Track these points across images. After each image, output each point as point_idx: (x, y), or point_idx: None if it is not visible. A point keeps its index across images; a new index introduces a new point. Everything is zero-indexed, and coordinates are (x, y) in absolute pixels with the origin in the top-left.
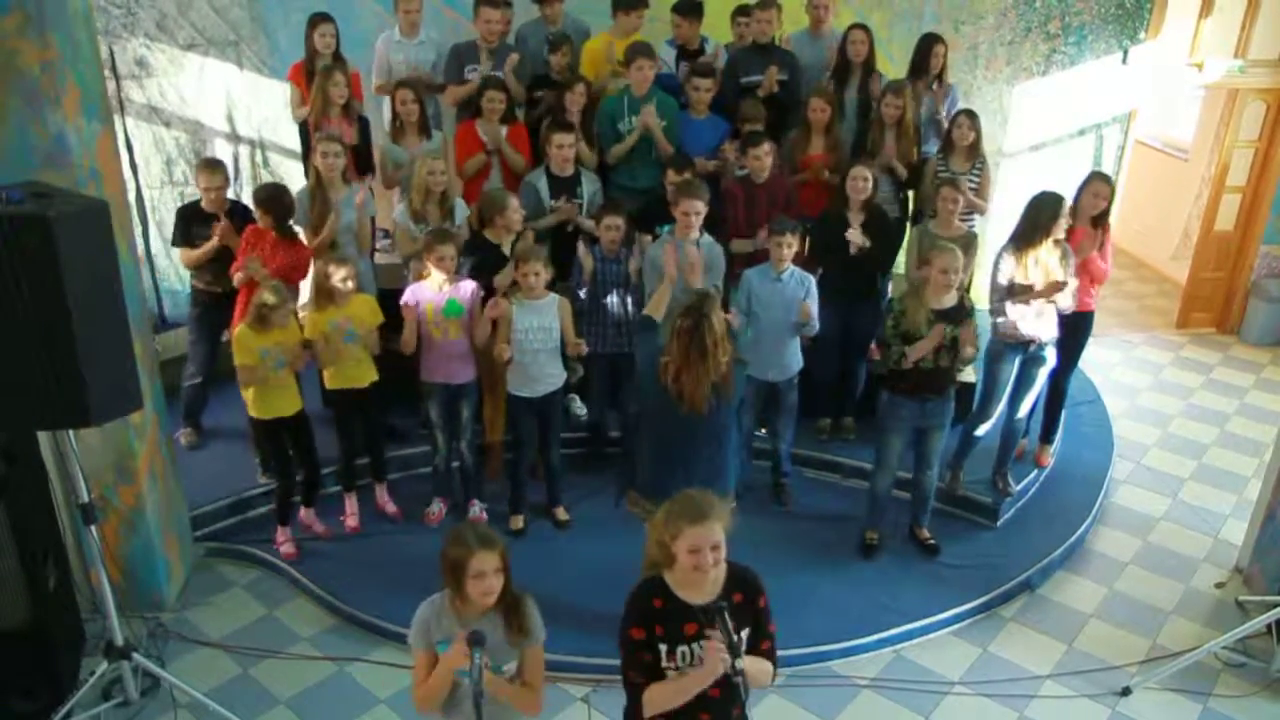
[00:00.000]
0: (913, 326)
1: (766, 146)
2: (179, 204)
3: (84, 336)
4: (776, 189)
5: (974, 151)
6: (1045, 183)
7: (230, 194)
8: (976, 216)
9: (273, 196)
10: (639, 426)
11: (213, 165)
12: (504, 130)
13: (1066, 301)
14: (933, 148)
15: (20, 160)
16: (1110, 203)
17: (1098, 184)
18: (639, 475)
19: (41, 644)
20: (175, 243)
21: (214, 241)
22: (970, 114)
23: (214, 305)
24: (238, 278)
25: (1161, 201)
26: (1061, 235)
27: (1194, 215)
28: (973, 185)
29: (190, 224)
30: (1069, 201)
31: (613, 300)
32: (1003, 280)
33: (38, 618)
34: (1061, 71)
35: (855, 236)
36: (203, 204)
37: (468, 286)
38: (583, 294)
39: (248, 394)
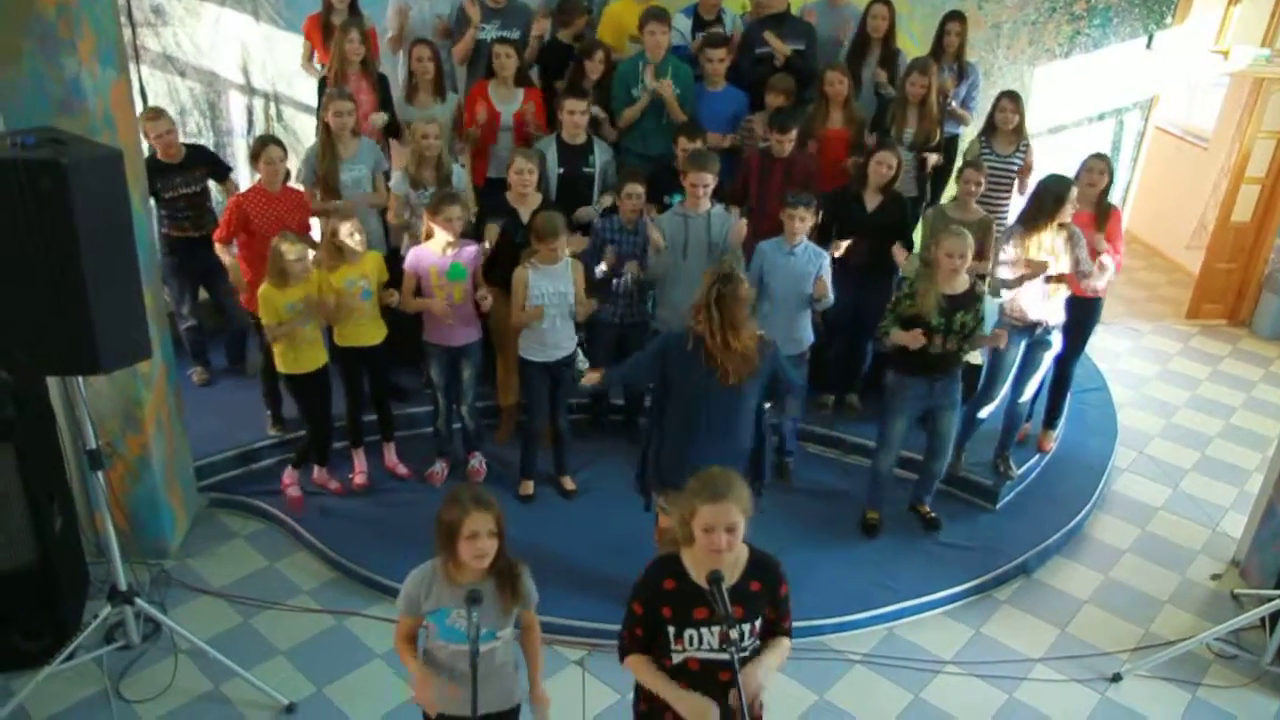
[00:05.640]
0: (922, 309)
1: (794, 133)
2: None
3: (95, 284)
4: (795, 165)
5: (1018, 134)
6: (1063, 166)
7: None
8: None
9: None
10: (657, 413)
11: (158, 111)
12: (519, 94)
13: (1101, 282)
14: (953, 128)
15: (35, 105)
16: (1110, 181)
17: (1093, 162)
18: (661, 460)
19: (46, 586)
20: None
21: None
22: (1013, 96)
23: (188, 249)
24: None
25: (1178, 190)
26: (1068, 219)
27: (1211, 205)
28: (1016, 167)
29: (153, 179)
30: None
31: (621, 273)
32: (1005, 263)
33: (43, 560)
34: (1084, 54)
35: (839, 250)
36: (158, 155)
37: (471, 250)
38: (600, 271)
39: (276, 350)
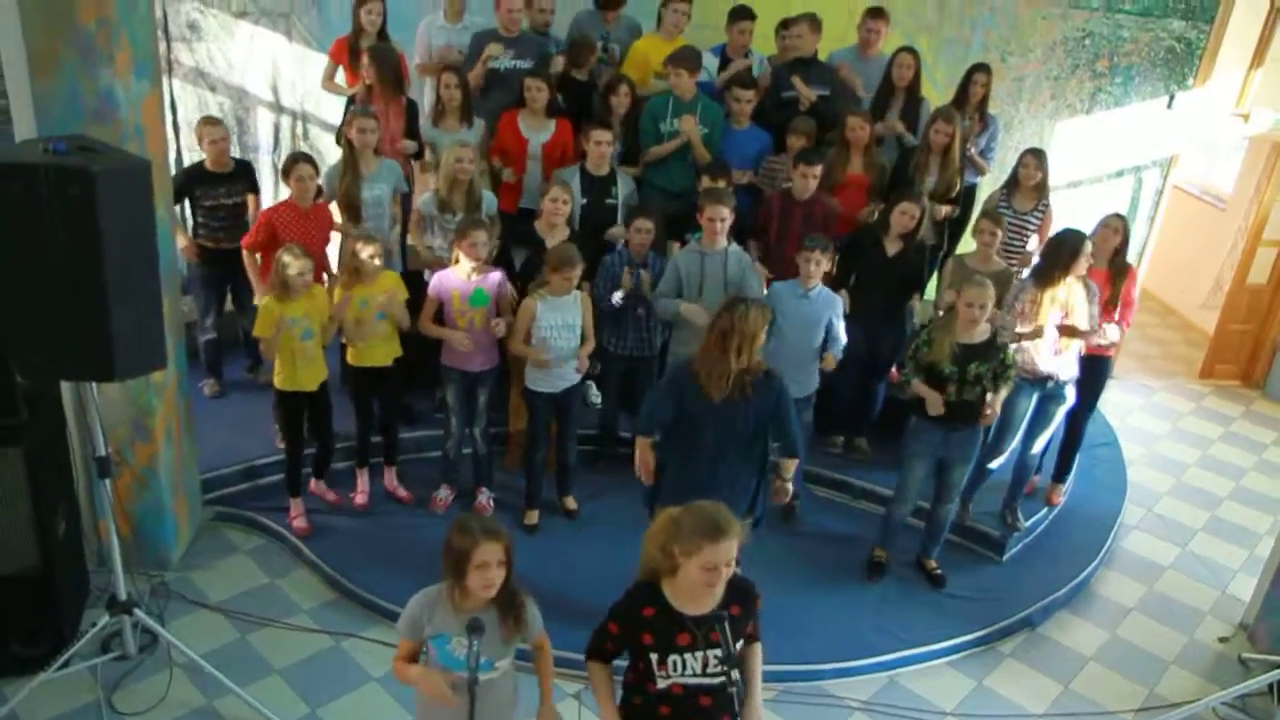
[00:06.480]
0: (937, 358)
1: (819, 169)
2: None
3: (116, 292)
4: (815, 208)
5: (1040, 191)
6: (1080, 221)
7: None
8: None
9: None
10: (665, 443)
11: (214, 119)
12: (551, 124)
13: (1112, 337)
14: (971, 178)
15: (69, 114)
16: (1125, 239)
17: (1110, 219)
18: (661, 492)
19: (46, 591)
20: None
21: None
22: (1038, 153)
23: (220, 261)
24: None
25: (1195, 249)
26: (1083, 272)
27: (1227, 266)
28: (1034, 225)
29: (193, 184)
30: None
31: (634, 304)
32: (1013, 315)
33: (45, 565)
34: (1105, 111)
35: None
36: (207, 163)
37: (495, 276)
38: (616, 299)
39: (275, 365)
